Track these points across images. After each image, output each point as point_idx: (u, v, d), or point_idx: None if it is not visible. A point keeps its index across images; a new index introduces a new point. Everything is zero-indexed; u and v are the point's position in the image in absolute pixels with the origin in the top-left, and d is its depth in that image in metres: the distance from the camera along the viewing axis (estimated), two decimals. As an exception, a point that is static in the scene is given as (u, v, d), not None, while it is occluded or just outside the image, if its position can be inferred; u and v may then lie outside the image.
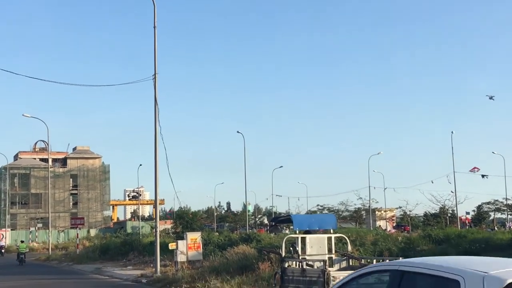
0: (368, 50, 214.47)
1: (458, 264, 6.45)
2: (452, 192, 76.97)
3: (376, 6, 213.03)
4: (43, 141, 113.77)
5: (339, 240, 23.20)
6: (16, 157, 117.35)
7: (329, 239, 18.77)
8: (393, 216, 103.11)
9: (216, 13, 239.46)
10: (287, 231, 53.32)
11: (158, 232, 34.57)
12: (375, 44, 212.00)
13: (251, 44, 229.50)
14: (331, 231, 19.33)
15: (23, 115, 64.39)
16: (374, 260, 16.99)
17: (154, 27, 33.13)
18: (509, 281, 5.68)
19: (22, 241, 59.24)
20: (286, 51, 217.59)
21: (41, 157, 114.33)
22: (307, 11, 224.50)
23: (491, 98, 72.33)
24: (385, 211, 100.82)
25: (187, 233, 35.37)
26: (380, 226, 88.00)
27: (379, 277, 7.35)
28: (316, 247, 18.33)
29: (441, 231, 43.79)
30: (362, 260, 18.61)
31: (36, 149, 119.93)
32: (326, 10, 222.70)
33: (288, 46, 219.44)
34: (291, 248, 18.57)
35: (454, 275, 6.01)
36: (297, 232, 18.83)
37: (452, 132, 75.00)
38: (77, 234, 64.78)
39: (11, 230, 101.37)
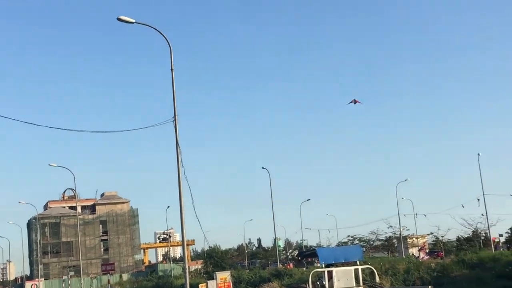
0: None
1: None
2: (483, 215, 75.77)
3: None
4: (71, 189, 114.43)
5: (369, 271, 22.89)
6: (45, 207, 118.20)
7: (356, 270, 18.50)
8: (425, 243, 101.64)
9: (232, 52, 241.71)
10: (318, 265, 52.78)
11: (187, 274, 34.38)
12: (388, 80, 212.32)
13: (269, 83, 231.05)
14: (358, 262, 19.09)
15: (49, 164, 64.72)
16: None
17: (172, 69, 33.35)
18: None
19: None
20: (308, 89, 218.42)
21: (70, 205, 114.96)
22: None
23: None
24: (416, 238, 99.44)
25: (216, 272, 35.16)
26: (412, 253, 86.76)
27: None
28: (344, 279, 18.10)
29: (474, 255, 42.99)
30: (391, 290, 18.33)
31: (65, 198, 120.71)
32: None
33: (310, 86, 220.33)
34: (317, 283, 18.36)
35: None
36: (323, 265, 18.64)
37: (478, 154, 74.09)
38: (109, 280, 64.93)
39: (45, 279, 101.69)
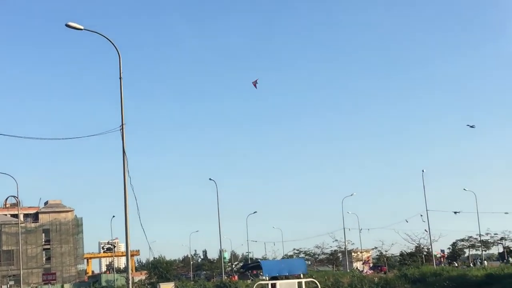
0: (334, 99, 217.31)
1: None
2: (426, 230, 77.16)
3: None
4: (13, 196, 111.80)
5: (311, 284, 23.00)
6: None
7: (300, 283, 18.56)
8: (369, 257, 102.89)
9: (185, 55, 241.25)
10: (263, 277, 52.82)
11: (130, 284, 33.99)
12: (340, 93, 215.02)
13: (222, 86, 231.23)
14: (301, 275, 19.17)
15: (-10, 171, 63.22)
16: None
17: (120, 78, 32.94)
18: None
19: None
20: (259, 94, 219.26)
21: (12, 213, 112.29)
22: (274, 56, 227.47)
23: (471, 126, 72.97)
24: (361, 252, 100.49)
25: (160, 284, 34.88)
26: (356, 267, 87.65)
27: None
28: (287, 292, 18.12)
29: (416, 270, 43.69)
30: (334, 304, 18.44)
31: (7, 205, 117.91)
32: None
33: (264, 88, 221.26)
34: (261, 295, 18.37)
35: None
36: (267, 278, 18.65)
37: (423, 171, 75.61)
38: (49, 290, 63.62)
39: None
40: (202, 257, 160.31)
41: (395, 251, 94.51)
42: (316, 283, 19.46)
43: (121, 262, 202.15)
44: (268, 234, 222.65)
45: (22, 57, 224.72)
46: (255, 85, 38.70)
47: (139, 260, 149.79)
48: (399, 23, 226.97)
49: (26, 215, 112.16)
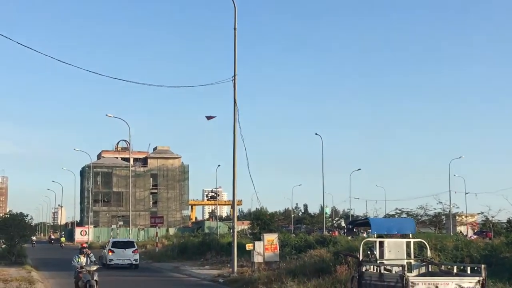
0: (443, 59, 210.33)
1: None
2: (538, 198, 74.21)
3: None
4: (125, 140, 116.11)
5: (418, 245, 22.74)
6: (99, 156, 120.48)
7: (408, 243, 18.38)
8: (474, 222, 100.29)
9: (296, 16, 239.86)
10: (364, 235, 52.59)
11: (235, 232, 34.73)
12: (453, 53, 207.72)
13: (331, 47, 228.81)
14: (410, 235, 18.97)
15: (106, 115, 65.68)
16: (455, 267, 16.49)
17: (235, 29, 33.25)
18: None
19: (63, 236, 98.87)
20: (373, 55, 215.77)
21: (122, 156, 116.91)
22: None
23: None
24: (466, 217, 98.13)
25: (264, 234, 35.29)
26: (460, 231, 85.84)
27: None
28: (395, 251, 17.98)
29: (525, 238, 42.22)
30: (442, 266, 18.15)
31: (118, 149, 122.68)
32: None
33: (374, 48, 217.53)
34: (368, 252, 18.31)
35: None
36: (375, 236, 18.58)
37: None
38: (156, 232, 65.97)
39: (94, 227, 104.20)
40: (302, 211, 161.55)
41: (502, 217, 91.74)
42: (424, 244, 19.16)
43: (223, 211, 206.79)
44: (370, 192, 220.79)
45: (136, 8, 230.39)
46: (211, 118, 36.57)
47: (241, 210, 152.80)
48: None
49: (135, 159, 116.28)
